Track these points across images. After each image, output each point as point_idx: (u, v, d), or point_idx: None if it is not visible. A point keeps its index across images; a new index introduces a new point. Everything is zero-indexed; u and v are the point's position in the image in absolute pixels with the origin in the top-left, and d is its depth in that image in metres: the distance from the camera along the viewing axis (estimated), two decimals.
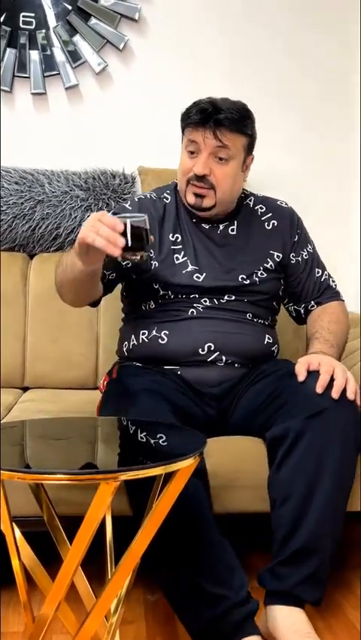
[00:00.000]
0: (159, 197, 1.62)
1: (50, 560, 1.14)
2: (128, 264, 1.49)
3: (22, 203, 2.00)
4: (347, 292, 1.79)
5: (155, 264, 1.53)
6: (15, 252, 2.05)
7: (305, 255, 1.61)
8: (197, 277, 1.52)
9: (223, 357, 1.48)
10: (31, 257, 2.06)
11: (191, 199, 1.53)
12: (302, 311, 1.62)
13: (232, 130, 1.48)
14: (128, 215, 1.26)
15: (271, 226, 1.61)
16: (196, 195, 1.52)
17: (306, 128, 2.26)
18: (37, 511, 1.14)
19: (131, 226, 1.17)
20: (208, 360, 1.48)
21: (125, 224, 1.17)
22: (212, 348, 1.47)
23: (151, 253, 1.17)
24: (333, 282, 1.65)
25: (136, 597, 1.46)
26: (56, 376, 1.93)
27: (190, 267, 1.53)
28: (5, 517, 0.96)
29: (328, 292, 1.61)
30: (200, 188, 1.51)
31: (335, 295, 1.63)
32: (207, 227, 1.58)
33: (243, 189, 1.64)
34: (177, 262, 1.53)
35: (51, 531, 1.11)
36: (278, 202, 1.66)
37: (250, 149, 1.55)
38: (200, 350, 1.47)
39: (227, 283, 1.53)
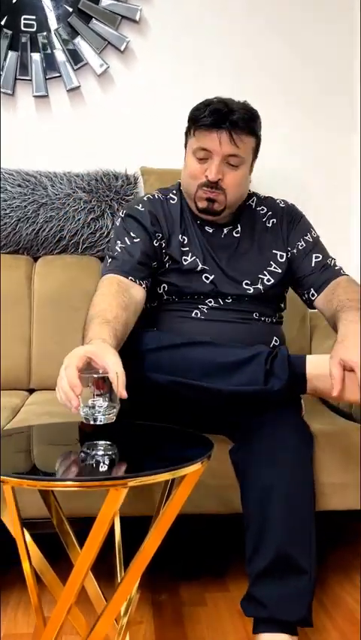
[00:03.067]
0: (165, 197, 1.60)
1: (57, 557, 1.16)
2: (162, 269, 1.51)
3: (25, 206, 2.01)
4: None
5: (167, 264, 1.53)
6: (19, 254, 2.06)
7: (301, 245, 1.58)
8: (205, 277, 1.53)
9: None
10: (35, 259, 2.07)
11: (203, 204, 1.51)
12: (305, 297, 1.58)
13: (245, 131, 1.46)
14: (93, 372, 1.11)
15: (271, 224, 1.61)
16: (208, 200, 1.50)
17: (307, 128, 2.27)
18: (46, 513, 1.15)
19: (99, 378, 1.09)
20: None
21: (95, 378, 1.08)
22: None
23: (116, 406, 1.09)
24: (336, 265, 1.59)
25: (144, 597, 1.47)
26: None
27: (200, 267, 1.52)
28: (16, 522, 0.98)
29: (327, 273, 1.55)
30: (211, 193, 1.49)
31: (338, 273, 1.56)
32: (211, 230, 1.57)
33: None
34: (185, 263, 1.53)
35: (60, 535, 1.12)
36: (277, 201, 1.66)
37: (257, 150, 1.55)
38: None
39: (232, 290, 1.52)
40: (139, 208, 1.55)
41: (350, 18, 2.25)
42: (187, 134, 1.54)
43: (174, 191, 1.61)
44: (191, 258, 1.53)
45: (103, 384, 1.07)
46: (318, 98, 2.27)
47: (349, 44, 2.26)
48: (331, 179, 2.29)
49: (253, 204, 1.63)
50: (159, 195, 1.60)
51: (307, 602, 1.21)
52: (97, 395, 1.07)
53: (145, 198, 1.60)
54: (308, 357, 1.30)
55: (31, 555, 1.02)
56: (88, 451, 1.02)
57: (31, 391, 1.95)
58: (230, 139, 1.45)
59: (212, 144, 1.46)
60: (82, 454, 1.02)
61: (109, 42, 2.17)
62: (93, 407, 1.06)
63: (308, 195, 2.14)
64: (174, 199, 1.59)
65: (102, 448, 1.04)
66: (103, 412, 1.06)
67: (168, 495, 1.07)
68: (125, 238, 1.50)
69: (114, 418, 1.07)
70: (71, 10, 2.16)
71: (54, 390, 1.92)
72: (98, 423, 1.06)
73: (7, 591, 1.48)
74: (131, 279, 1.44)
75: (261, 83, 2.21)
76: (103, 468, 0.97)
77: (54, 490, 1.08)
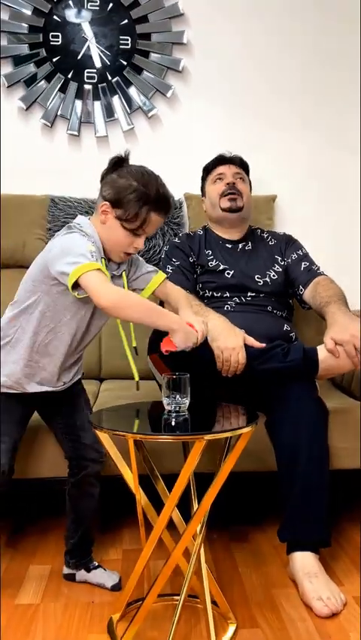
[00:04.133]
0: (194, 233, 2.25)
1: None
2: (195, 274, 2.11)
3: None
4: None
5: (198, 270, 2.10)
6: None
7: (294, 257, 2.17)
8: (227, 273, 2.08)
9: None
10: None
11: (226, 204, 2.16)
12: (297, 293, 2.12)
13: (242, 168, 2.23)
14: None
15: (272, 243, 2.23)
16: (230, 200, 2.15)
17: (320, 153, 2.70)
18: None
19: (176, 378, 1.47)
20: None
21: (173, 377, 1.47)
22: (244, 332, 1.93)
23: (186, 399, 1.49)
24: (318, 269, 2.13)
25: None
26: (125, 369, 2.38)
27: (222, 267, 2.10)
28: (134, 470, 1.44)
29: (310, 274, 2.10)
30: (232, 194, 2.15)
31: (318, 274, 2.10)
32: (230, 246, 2.18)
33: (252, 225, 2.26)
34: (210, 266, 2.10)
35: (154, 481, 1.58)
36: (279, 232, 2.28)
37: (250, 188, 2.25)
38: None
39: (248, 283, 2.08)
40: (177, 241, 2.22)
41: None
42: (203, 180, 2.26)
43: (200, 229, 2.25)
44: (215, 262, 2.12)
45: (173, 383, 1.47)
46: (337, 131, 2.70)
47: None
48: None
49: (259, 232, 2.26)
50: (190, 233, 2.27)
51: (325, 528, 1.68)
52: (167, 390, 1.49)
53: (180, 235, 2.29)
54: (319, 347, 1.77)
55: (141, 498, 1.49)
56: (172, 417, 1.47)
57: (101, 380, 2.41)
58: (234, 164, 2.21)
59: (223, 169, 2.21)
60: (168, 418, 1.47)
61: (157, 89, 2.61)
62: (174, 398, 1.49)
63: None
64: (200, 232, 2.24)
65: (181, 414, 1.48)
66: (180, 403, 1.49)
67: (226, 453, 1.51)
68: (172, 261, 2.13)
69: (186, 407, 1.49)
70: (125, 63, 2.59)
71: (120, 379, 2.40)
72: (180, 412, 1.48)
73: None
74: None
75: (281, 116, 2.65)
76: (186, 428, 1.42)
77: (158, 440, 1.47)
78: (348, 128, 2.71)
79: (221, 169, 2.20)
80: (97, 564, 1.72)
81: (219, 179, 2.19)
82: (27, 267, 2.38)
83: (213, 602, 1.51)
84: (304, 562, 1.64)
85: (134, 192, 1.49)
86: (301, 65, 2.67)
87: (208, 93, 2.64)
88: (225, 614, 1.52)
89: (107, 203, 1.52)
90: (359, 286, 2.58)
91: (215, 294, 2.08)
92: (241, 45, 2.64)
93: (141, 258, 1.72)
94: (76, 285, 1.42)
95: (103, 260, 1.54)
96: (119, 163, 1.56)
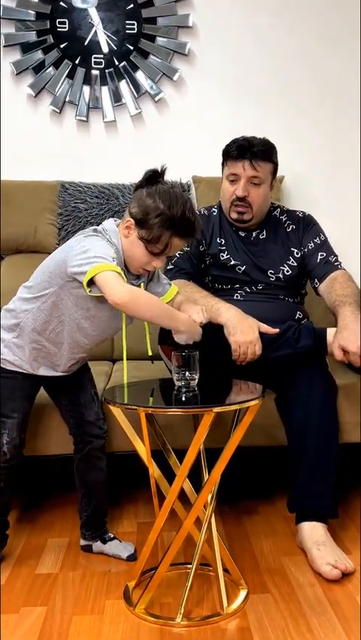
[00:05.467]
0: (209, 212, 2.13)
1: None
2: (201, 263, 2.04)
3: (102, 214, 2.50)
4: None
5: (208, 260, 2.03)
6: None
7: (311, 245, 2.05)
8: (238, 269, 2.03)
9: None
10: None
11: (235, 216, 2.03)
12: (312, 285, 2.06)
13: (262, 159, 1.96)
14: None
15: (290, 229, 2.09)
16: (238, 213, 2.01)
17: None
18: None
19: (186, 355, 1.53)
20: None
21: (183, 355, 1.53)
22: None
23: (195, 375, 1.54)
24: (336, 262, 2.05)
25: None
26: (137, 350, 2.44)
27: (233, 262, 2.03)
28: (146, 442, 1.50)
29: (327, 267, 2.02)
30: (241, 207, 2.00)
31: (335, 268, 2.02)
32: (243, 234, 2.07)
33: (272, 203, 2.13)
34: (221, 259, 2.03)
35: (166, 455, 1.64)
36: (297, 212, 2.15)
37: (274, 173, 2.04)
38: None
39: (260, 278, 2.02)
40: None
41: None
42: (222, 165, 2.06)
43: (215, 208, 2.13)
44: (226, 255, 2.04)
45: (182, 360, 1.54)
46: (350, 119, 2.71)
47: None
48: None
49: (278, 214, 2.13)
50: (204, 211, 2.13)
51: (333, 499, 1.73)
52: (176, 367, 1.55)
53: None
54: (328, 329, 1.79)
55: (154, 471, 1.56)
56: (182, 393, 1.52)
57: (113, 361, 2.46)
58: (250, 165, 1.95)
59: (238, 170, 1.97)
60: (178, 394, 1.52)
61: (164, 73, 2.63)
62: (184, 374, 1.54)
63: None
64: (215, 212, 2.11)
65: (191, 390, 1.53)
66: (189, 379, 1.54)
67: (235, 425, 1.56)
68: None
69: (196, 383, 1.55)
70: (132, 48, 2.62)
71: (132, 359, 2.44)
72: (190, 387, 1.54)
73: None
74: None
75: (289, 102, 2.67)
76: (195, 402, 1.47)
77: (169, 413, 1.57)
78: (354, 105, 2.72)
79: (236, 168, 1.96)
80: (112, 536, 1.79)
81: (233, 180, 1.99)
82: (39, 252, 2.49)
83: (225, 570, 1.57)
84: (313, 531, 1.69)
85: (160, 216, 1.49)
86: (305, 46, 2.68)
87: (214, 75, 2.66)
88: (236, 581, 1.58)
89: (131, 220, 1.53)
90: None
91: (225, 287, 2.04)
92: (246, 27, 2.65)
93: (159, 270, 1.69)
94: (91, 284, 1.46)
95: (123, 271, 1.54)
96: (153, 178, 1.56)
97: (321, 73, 2.69)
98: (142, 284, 1.63)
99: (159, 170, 1.57)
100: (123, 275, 1.48)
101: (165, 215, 1.49)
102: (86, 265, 1.44)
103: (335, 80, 2.70)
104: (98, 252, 1.47)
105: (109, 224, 1.59)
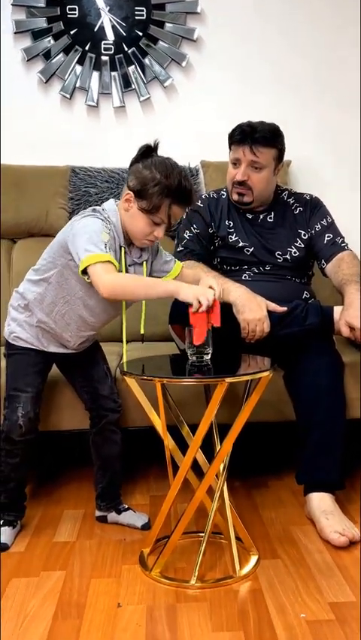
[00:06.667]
0: (217, 195, 2.17)
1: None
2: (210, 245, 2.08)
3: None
4: None
5: (217, 242, 2.08)
6: None
7: (318, 227, 2.10)
8: (247, 250, 2.08)
9: None
10: None
11: (235, 197, 2.08)
12: (319, 266, 2.11)
13: (264, 145, 2.00)
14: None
15: (297, 211, 2.14)
16: (238, 194, 2.06)
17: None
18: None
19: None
20: None
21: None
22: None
23: (209, 349, 1.59)
24: (343, 243, 2.09)
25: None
26: (149, 332, 2.48)
27: (241, 244, 2.08)
28: (162, 413, 1.55)
29: (333, 248, 2.06)
30: (241, 189, 2.05)
31: (342, 249, 2.06)
32: (250, 216, 2.12)
33: (279, 186, 2.18)
34: (230, 241, 2.08)
35: (179, 425, 1.69)
36: (304, 195, 2.18)
37: (280, 158, 2.08)
38: None
39: (268, 259, 2.07)
40: (199, 204, 2.13)
41: None
42: (229, 148, 2.10)
43: (224, 191, 2.17)
44: (235, 237, 2.09)
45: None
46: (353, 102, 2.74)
47: None
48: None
49: (285, 197, 2.17)
50: (213, 194, 2.18)
51: (340, 471, 1.78)
52: (190, 342, 1.60)
53: (204, 197, 2.18)
54: (335, 307, 1.84)
55: (168, 441, 1.61)
56: (195, 366, 1.58)
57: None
58: (250, 151, 1.99)
59: (239, 154, 2.02)
60: (192, 367, 1.58)
61: (172, 59, 2.67)
62: (197, 348, 1.59)
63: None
64: (223, 195, 2.16)
65: (204, 363, 1.58)
66: (203, 353, 1.59)
67: (246, 397, 1.61)
68: (192, 227, 2.10)
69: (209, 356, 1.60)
70: (141, 34, 2.65)
71: (138, 341, 2.49)
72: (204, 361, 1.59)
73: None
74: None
75: (294, 85, 2.70)
76: (208, 374, 1.53)
77: (183, 384, 1.63)
78: None
79: (238, 153, 2.02)
80: (127, 507, 1.85)
81: (235, 164, 2.04)
82: (50, 235, 2.51)
83: (237, 538, 1.62)
84: (321, 501, 1.75)
85: (157, 185, 1.54)
86: (315, 32, 2.71)
87: (222, 61, 2.70)
88: (247, 548, 1.64)
89: (130, 192, 1.59)
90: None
91: (233, 268, 2.09)
92: (254, 12, 2.68)
93: (161, 247, 1.77)
94: (85, 271, 1.52)
95: (123, 248, 1.62)
96: (147, 152, 1.62)
97: (329, 59, 2.72)
98: (145, 263, 1.69)
99: (152, 144, 1.62)
100: (114, 260, 1.53)
101: (162, 184, 1.54)
102: (82, 252, 1.50)
103: (343, 66, 2.73)
104: (94, 237, 1.52)
105: (109, 204, 1.65)
